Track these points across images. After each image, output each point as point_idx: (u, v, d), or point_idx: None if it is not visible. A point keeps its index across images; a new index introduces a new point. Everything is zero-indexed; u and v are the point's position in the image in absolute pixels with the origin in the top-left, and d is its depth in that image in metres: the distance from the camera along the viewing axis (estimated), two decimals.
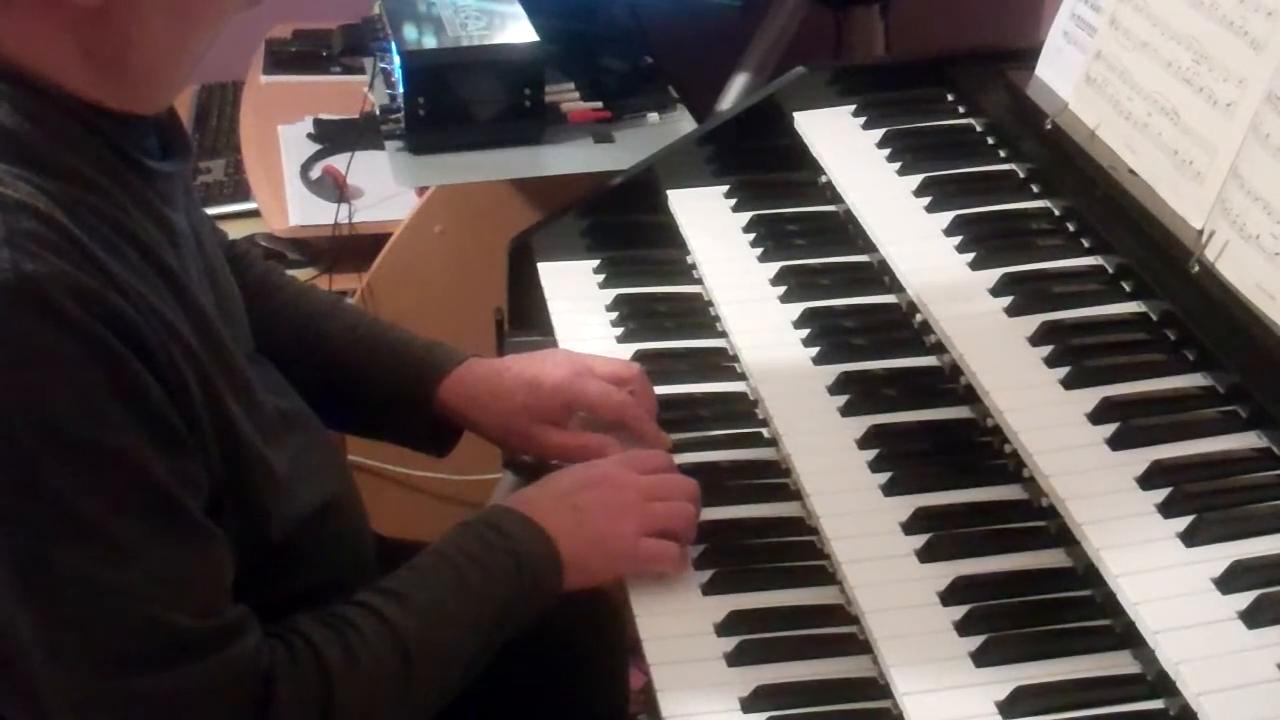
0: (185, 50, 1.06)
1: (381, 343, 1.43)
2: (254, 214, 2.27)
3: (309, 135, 2.30)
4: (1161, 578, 1.07)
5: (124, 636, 0.99)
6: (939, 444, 1.32)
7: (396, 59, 1.96)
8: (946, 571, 1.18)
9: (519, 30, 2.01)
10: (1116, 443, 1.18)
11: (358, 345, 1.42)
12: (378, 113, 2.03)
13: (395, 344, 1.43)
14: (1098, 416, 1.20)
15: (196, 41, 1.06)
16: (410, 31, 2.00)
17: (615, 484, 1.26)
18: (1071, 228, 1.44)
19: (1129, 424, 1.18)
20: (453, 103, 1.94)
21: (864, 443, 1.32)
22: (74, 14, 0.98)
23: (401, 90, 1.94)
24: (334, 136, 2.27)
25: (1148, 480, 1.14)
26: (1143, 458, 1.15)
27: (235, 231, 2.20)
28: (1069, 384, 1.24)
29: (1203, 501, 1.11)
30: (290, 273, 2.09)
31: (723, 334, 1.53)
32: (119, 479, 0.98)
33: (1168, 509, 1.11)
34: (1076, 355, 1.27)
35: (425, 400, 1.40)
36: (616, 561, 1.24)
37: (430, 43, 1.98)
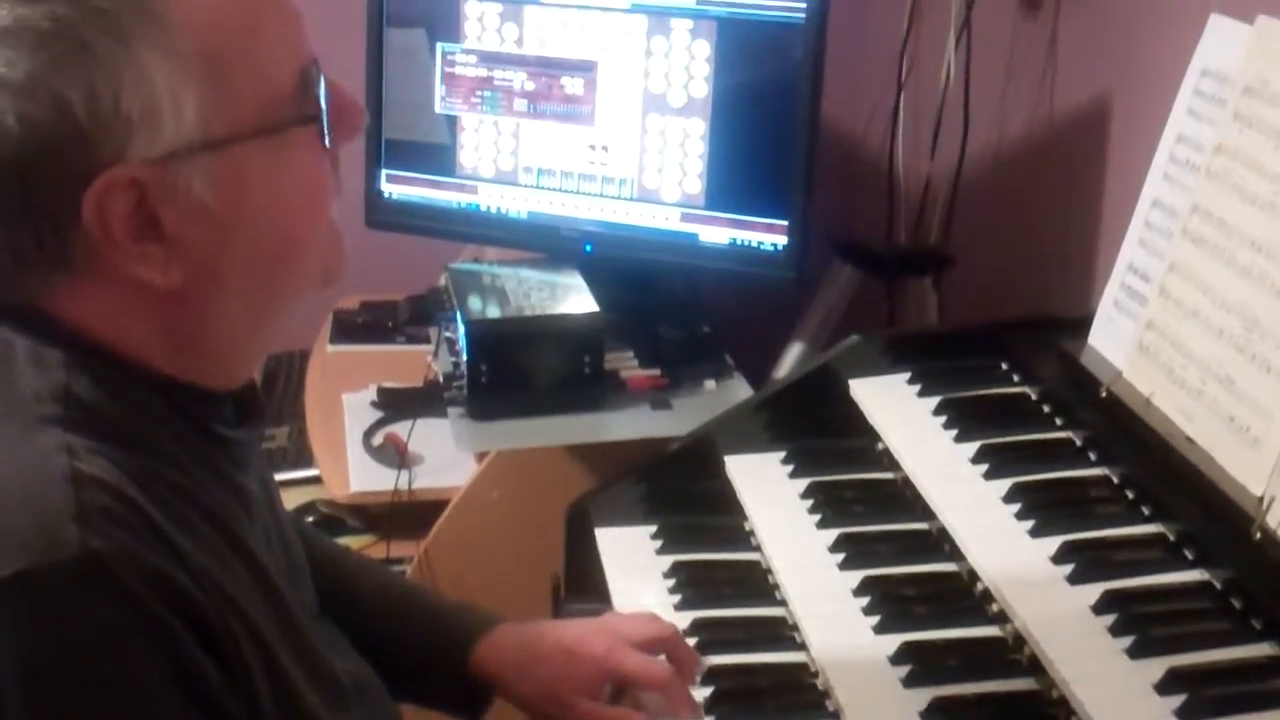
0: (261, 329, 1.09)
1: (414, 605, 1.44)
2: (315, 480, 2.29)
3: (372, 403, 2.35)
4: None
5: None
6: (1004, 716, 1.30)
7: (461, 328, 2.01)
8: None
9: (580, 301, 2.06)
10: (1186, 714, 1.15)
11: (390, 608, 1.43)
12: (441, 380, 2.07)
13: (427, 606, 1.44)
14: (1165, 687, 1.18)
15: (272, 321, 1.09)
16: (475, 302, 2.06)
17: None
18: (1130, 495, 1.43)
19: (1198, 694, 1.16)
20: (515, 370, 1.99)
21: (928, 716, 1.29)
22: (153, 294, 1.01)
23: (465, 358, 1.98)
24: (397, 404, 2.31)
25: None
26: None
27: (296, 498, 2.23)
28: (1135, 654, 1.22)
29: None
30: (347, 540, 2.12)
31: (782, 602, 1.52)
32: None
33: None
34: (1141, 624, 1.25)
35: (460, 664, 1.40)
36: None
37: (494, 312, 2.04)
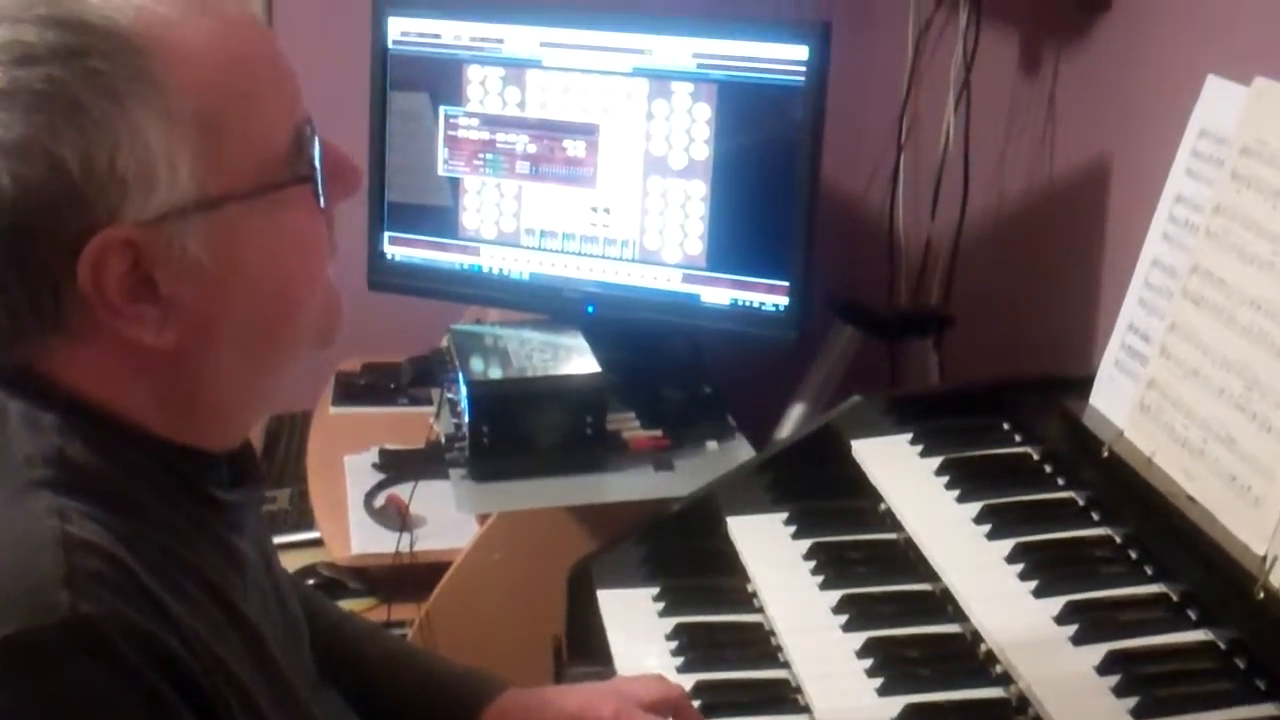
0: (257, 390, 1.09)
1: (419, 670, 1.43)
2: (317, 543, 2.28)
3: (374, 465, 2.34)
4: None
5: None
6: None
7: (463, 389, 2.01)
8: None
9: (582, 362, 2.07)
10: None
11: (395, 673, 1.42)
12: (443, 441, 2.07)
13: (432, 671, 1.43)
14: None
15: (269, 382, 1.08)
16: (477, 363, 2.06)
17: None
18: (1133, 555, 1.43)
19: None
20: (516, 431, 1.99)
21: None
22: (148, 355, 1.01)
23: (467, 419, 1.98)
24: (399, 466, 2.31)
25: None
26: None
27: (298, 560, 2.22)
28: (1139, 715, 1.22)
29: None
30: (348, 603, 2.11)
31: (785, 664, 1.51)
32: None
33: None
34: (1145, 685, 1.24)
35: None
36: None
37: (496, 374, 2.04)
